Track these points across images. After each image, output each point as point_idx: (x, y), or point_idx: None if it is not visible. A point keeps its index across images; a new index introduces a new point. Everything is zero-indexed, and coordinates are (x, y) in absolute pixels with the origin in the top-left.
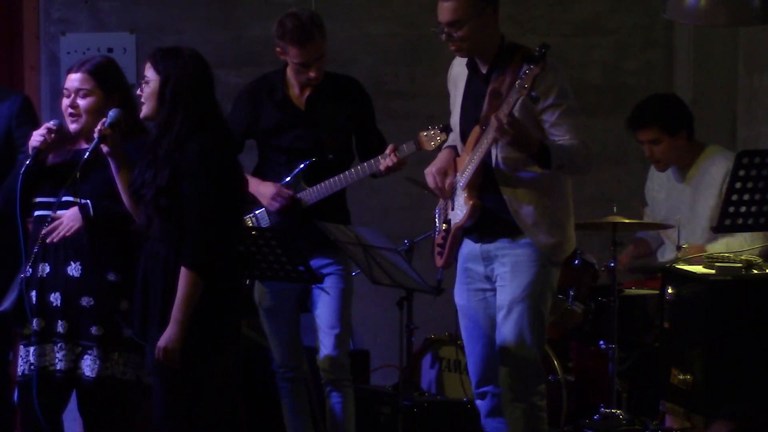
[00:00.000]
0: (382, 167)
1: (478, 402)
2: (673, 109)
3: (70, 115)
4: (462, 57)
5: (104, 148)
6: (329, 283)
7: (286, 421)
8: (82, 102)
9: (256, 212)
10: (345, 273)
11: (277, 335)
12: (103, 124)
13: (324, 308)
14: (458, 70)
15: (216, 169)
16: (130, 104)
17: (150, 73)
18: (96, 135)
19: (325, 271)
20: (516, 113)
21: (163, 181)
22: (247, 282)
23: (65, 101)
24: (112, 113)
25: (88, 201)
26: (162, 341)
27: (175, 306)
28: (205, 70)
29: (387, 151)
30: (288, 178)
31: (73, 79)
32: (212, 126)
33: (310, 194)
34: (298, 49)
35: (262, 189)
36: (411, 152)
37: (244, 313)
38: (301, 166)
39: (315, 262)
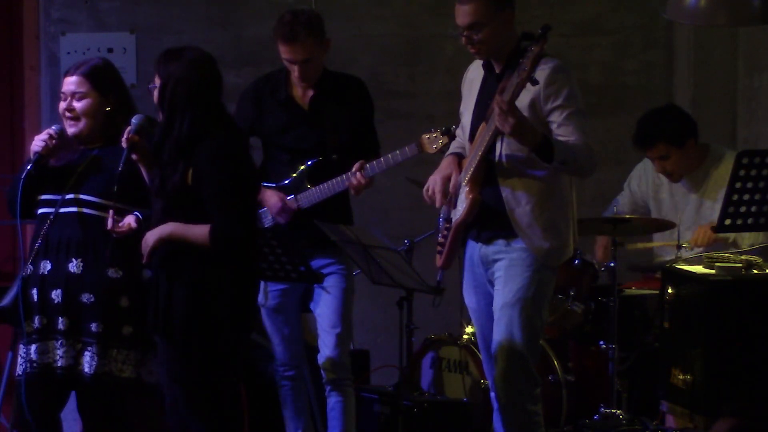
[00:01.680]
0: (352, 189)
1: (493, 395)
2: (676, 121)
3: (68, 118)
4: (481, 59)
5: (133, 156)
6: (330, 282)
7: (285, 419)
8: (78, 105)
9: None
10: (346, 272)
11: (279, 334)
12: (129, 132)
13: (325, 308)
14: (474, 74)
15: (229, 165)
16: (127, 105)
17: (156, 78)
18: (124, 144)
19: (326, 270)
20: (524, 112)
21: (172, 189)
22: None
23: (62, 104)
24: (135, 120)
25: (137, 213)
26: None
27: (178, 228)
28: (208, 71)
29: (354, 169)
30: (286, 181)
31: (69, 83)
32: (221, 126)
33: (304, 198)
34: (283, 46)
35: (266, 200)
36: (413, 155)
37: (257, 311)
38: (309, 163)
39: (316, 262)
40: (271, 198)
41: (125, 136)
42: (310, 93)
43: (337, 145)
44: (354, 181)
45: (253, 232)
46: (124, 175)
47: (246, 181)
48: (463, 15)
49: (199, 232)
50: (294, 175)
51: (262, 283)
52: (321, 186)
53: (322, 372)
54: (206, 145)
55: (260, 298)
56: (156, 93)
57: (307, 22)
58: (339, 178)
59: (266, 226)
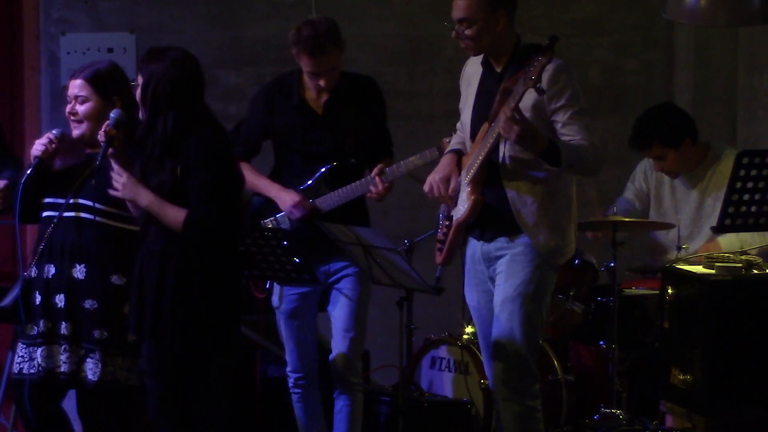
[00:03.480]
0: (374, 197)
1: (493, 390)
2: (670, 121)
3: (72, 121)
4: (470, 55)
5: (110, 150)
6: (347, 285)
7: (299, 427)
8: (80, 108)
9: (278, 215)
10: (363, 275)
11: (293, 339)
12: (107, 126)
13: (340, 310)
14: (472, 69)
15: (217, 160)
16: (133, 107)
17: (139, 76)
18: (102, 138)
19: (343, 273)
20: (527, 113)
21: (156, 185)
22: (267, 285)
23: (68, 107)
24: (113, 114)
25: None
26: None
27: (156, 201)
28: (190, 71)
29: (373, 174)
30: (309, 182)
31: (73, 86)
32: (204, 123)
33: (323, 203)
34: (309, 60)
35: (284, 196)
36: (433, 158)
37: (243, 314)
38: (326, 168)
39: (334, 265)
40: (286, 195)
41: (103, 129)
42: (324, 97)
43: (355, 150)
44: (374, 192)
45: (229, 228)
46: (102, 168)
47: (229, 177)
48: (456, 9)
49: (174, 213)
50: (311, 180)
51: (277, 287)
52: (339, 191)
53: (332, 374)
54: (193, 140)
55: (275, 300)
56: (138, 91)
57: (328, 33)
58: (358, 183)
59: (285, 228)
